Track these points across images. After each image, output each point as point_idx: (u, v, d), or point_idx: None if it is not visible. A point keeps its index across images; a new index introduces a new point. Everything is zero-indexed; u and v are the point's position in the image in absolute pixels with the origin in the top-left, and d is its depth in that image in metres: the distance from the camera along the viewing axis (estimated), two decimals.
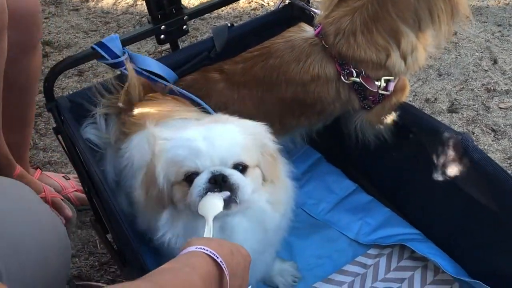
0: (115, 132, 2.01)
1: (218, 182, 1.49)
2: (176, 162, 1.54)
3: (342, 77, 1.95)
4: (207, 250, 1.22)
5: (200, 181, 1.50)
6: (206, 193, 1.48)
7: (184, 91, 2.03)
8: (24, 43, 2.09)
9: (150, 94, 2.01)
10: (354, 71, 1.93)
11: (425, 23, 1.86)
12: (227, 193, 1.49)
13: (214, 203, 1.47)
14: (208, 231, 1.41)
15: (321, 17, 2.00)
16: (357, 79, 1.94)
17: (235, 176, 1.51)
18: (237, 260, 1.29)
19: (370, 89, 1.95)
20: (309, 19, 2.12)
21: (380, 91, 1.96)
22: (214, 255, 1.21)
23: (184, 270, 1.17)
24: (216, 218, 1.51)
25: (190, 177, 1.52)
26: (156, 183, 1.57)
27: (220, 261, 1.21)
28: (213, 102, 2.03)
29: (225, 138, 1.55)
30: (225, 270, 1.21)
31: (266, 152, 1.62)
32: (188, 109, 1.96)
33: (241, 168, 1.54)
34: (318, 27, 1.99)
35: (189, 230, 1.57)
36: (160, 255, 1.75)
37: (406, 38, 1.88)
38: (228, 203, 1.50)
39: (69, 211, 2.36)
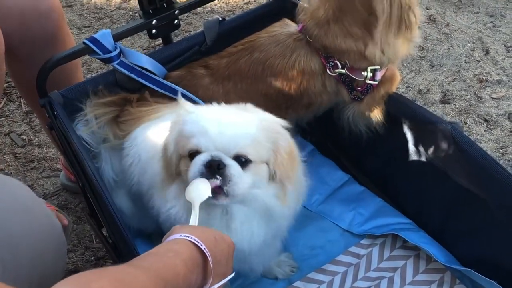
0: (112, 131, 2.02)
1: (213, 169, 1.48)
2: (185, 136, 1.54)
3: (328, 70, 1.96)
4: (191, 238, 1.22)
5: (198, 162, 1.49)
6: (199, 174, 1.48)
7: (175, 86, 2.05)
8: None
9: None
10: (339, 63, 1.95)
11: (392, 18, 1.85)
12: (216, 182, 1.48)
13: (200, 189, 1.47)
14: (194, 217, 1.41)
15: (302, 12, 2.03)
16: (343, 71, 1.95)
17: (232, 168, 1.49)
18: (221, 247, 1.29)
19: (357, 79, 1.96)
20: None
21: (367, 81, 1.98)
22: (198, 242, 1.22)
23: (167, 254, 1.18)
24: (216, 206, 1.53)
25: (192, 155, 1.52)
26: (167, 151, 1.59)
27: (204, 248, 1.22)
28: (200, 97, 2.04)
29: (237, 126, 1.53)
30: (208, 257, 1.22)
31: (279, 151, 1.58)
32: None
33: (244, 161, 1.51)
34: (301, 23, 2.01)
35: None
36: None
37: (379, 30, 1.86)
38: (217, 193, 1.49)
39: (64, 219, 2.37)
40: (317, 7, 1.95)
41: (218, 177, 1.48)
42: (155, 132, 1.88)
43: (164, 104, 2.02)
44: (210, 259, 1.22)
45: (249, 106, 1.64)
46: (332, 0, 1.90)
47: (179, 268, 1.16)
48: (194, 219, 1.40)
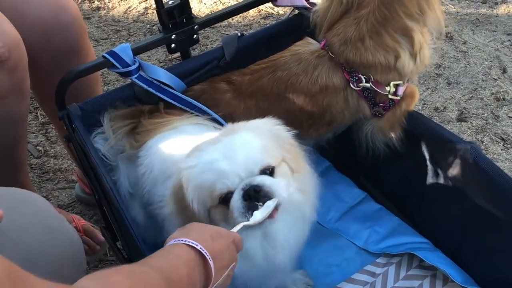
0: (128, 142, 2.03)
1: (252, 196, 1.48)
2: (206, 187, 1.53)
3: (351, 84, 1.96)
4: (186, 241, 1.26)
5: (236, 203, 1.49)
6: (248, 211, 1.48)
7: (193, 101, 2.05)
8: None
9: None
10: (363, 78, 1.95)
11: (426, 12, 1.88)
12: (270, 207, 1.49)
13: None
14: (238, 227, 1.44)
15: (323, 32, 2.03)
16: (367, 85, 1.95)
17: (266, 182, 1.50)
18: (219, 242, 1.33)
19: (381, 92, 1.97)
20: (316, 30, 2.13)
21: (390, 96, 1.98)
22: (193, 243, 1.26)
23: (168, 256, 1.23)
24: (254, 234, 1.55)
25: (225, 199, 1.52)
26: (190, 209, 1.57)
27: (200, 248, 1.25)
28: (221, 112, 2.04)
29: (244, 149, 1.54)
30: (206, 255, 1.26)
31: (285, 143, 1.62)
32: (192, 118, 2.01)
33: (270, 171, 1.53)
34: (323, 40, 2.02)
35: None
36: None
37: (417, 33, 1.90)
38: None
39: (100, 235, 2.37)
40: (344, 26, 1.95)
41: (260, 203, 1.48)
42: (169, 143, 1.89)
43: (176, 116, 2.03)
44: (208, 257, 1.26)
45: (234, 126, 1.67)
46: (371, 16, 1.89)
47: (182, 269, 1.21)
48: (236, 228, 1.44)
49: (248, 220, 1.48)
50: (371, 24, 1.90)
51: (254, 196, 1.48)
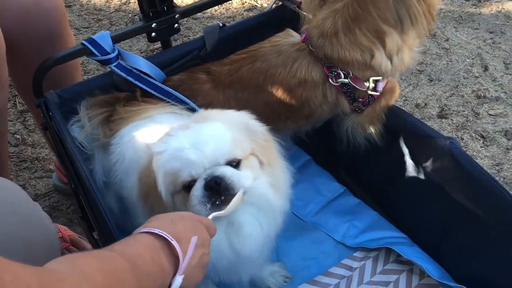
0: (102, 130, 2.00)
1: (214, 188, 1.49)
2: (171, 174, 1.54)
3: (330, 80, 1.95)
4: (145, 229, 1.27)
5: (197, 192, 1.51)
6: (207, 201, 1.50)
7: (172, 90, 2.03)
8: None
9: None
10: (341, 73, 1.93)
11: (406, 23, 1.85)
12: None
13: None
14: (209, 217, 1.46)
15: (307, 22, 2.01)
16: (346, 80, 1.94)
17: (227, 173, 1.50)
18: (182, 224, 1.33)
19: (360, 89, 1.95)
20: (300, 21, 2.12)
21: (369, 92, 1.96)
22: (151, 229, 1.27)
23: (130, 243, 1.24)
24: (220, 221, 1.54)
25: (188, 186, 1.53)
26: (158, 195, 1.58)
27: (158, 231, 1.26)
28: (199, 103, 2.02)
29: (213, 139, 1.54)
30: (167, 237, 1.26)
31: (257, 138, 1.62)
32: (168, 107, 2.00)
33: (235, 163, 1.54)
34: (304, 33, 2.00)
35: None
36: None
37: (391, 38, 1.87)
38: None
39: (87, 245, 2.35)
40: (323, 18, 1.93)
41: (221, 197, 1.50)
42: (141, 133, 1.87)
43: (153, 104, 2.01)
44: (169, 238, 1.26)
45: (206, 113, 1.67)
46: (345, 10, 1.87)
47: (145, 254, 1.22)
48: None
49: (209, 209, 1.50)
50: (344, 19, 1.88)
51: (215, 188, 1.49)
